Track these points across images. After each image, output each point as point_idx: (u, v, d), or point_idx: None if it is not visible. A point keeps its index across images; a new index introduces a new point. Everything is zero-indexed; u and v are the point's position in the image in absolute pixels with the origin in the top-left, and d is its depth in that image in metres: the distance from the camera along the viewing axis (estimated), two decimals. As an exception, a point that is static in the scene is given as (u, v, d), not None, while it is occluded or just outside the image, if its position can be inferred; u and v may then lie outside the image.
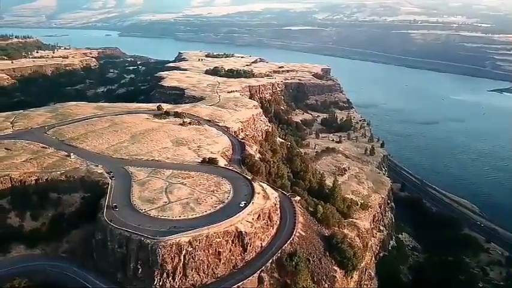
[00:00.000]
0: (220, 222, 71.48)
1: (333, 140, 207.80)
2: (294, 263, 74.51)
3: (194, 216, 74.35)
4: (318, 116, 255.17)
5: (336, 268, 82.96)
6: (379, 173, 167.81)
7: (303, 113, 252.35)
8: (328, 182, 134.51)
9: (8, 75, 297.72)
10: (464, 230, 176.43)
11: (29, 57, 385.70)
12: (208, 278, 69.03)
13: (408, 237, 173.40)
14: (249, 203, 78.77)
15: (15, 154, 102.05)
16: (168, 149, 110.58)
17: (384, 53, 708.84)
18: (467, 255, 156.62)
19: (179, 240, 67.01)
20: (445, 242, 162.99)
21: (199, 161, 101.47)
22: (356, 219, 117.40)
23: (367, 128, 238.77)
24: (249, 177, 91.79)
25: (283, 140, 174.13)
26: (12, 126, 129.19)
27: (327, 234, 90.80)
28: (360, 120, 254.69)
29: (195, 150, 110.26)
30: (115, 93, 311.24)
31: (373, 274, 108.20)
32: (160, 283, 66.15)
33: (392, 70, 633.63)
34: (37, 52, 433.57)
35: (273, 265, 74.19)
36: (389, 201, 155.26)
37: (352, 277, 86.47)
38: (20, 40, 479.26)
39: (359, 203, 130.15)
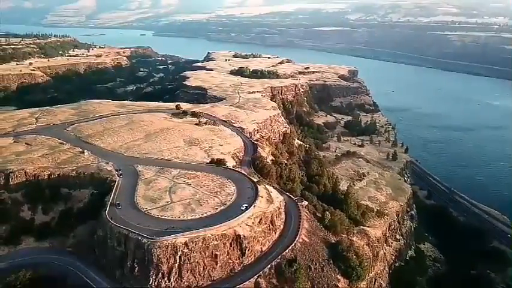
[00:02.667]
0: (218, 225, 70.89)
1: (354, 143, 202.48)
2: (293, 269, 72.72)
3: (194, 217, 74.23)
4: (342, 118, 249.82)
5: (339, 277, 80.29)
6: (400, 179, 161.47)
7: (326, 115, 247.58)
8: (344, 187, 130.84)
9: (43, 72, 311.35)
10: (493, 243, 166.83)
11: (65, 56, 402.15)
12: (204, 280, 68.51)
13: (431, 248, 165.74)
14: (250, 206, 77.63)
15: (33, 149, 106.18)
16: (179, 148, 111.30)
17: (418, 55, 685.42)
18: (493, 269, 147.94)
19: (175, 241, 66.97)
20: (471, 254, 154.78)
21: (208, 161, 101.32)
22: (369, 226, 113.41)
23: (391, 132, 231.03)
24: (255, 180, 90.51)
25: (301, 142, 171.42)
26: (36, 122, 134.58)
27: (333, 242, 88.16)
28: (385, 124, 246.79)
29: (206, 151, 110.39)
30: (143, 92, 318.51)
31: (384, 285, 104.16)
32: (156, 283, 66.23)
33: (426, 73, 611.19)
34: (73, 51, 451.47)
35: (272, 271, 72.72)
36: (408, 209, 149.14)
37: (357, 287, 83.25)
38: (58, 39, 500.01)
39: (375, 210, 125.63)
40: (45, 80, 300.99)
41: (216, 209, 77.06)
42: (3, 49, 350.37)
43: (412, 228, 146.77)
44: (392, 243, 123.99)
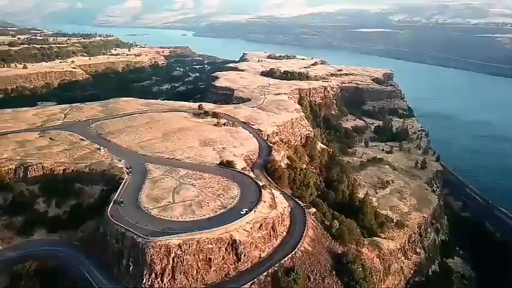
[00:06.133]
0: (214, 228, 69.96)
1: (383, 149, 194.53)
2: (290, 279, 70.30)
3: (192, 219, 73.76)
4: (373, 123, 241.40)
5: (341, 290, 76.82)
6: (427, 189, 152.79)
7: (355, 119, 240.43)
8: (363, 194, 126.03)
9: (84, 70, 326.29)
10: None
11: (107, 55, 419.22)
12: (197, 283, 67.79)
13: (461, 264, 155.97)
14: (250, 211, 76.12)
15: (55, 144, 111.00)
16: (193, 148, 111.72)
17: (464, 58, 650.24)
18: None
19: (169, 242, 66.78)
20: (504, 272, 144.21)
21: (218, 162, 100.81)
22: (386, 238, 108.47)
23: (424, 139, 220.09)
24: (261, 184, 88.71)
25: (325, 147, 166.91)
26: (64, 118, 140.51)
27: (339, 252, 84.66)
28: (419, 131, 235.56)
29: (218, 152, 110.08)
30: (175, 91, 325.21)
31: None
32: (149, 282, 66.29)
33: (472, 77, 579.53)
34: (115, 50, 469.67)
35: (268, 278, 70.64)
36: (434, 221, 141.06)
37: (360, 301, 79.18)
38: (102, 38, 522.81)
39: (394, 221, 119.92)
40: (84, 78, 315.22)
41: (216, 211, 76.19)
42: (50, 48, 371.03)
43: (437, 242, 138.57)
44: (411, 256, 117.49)
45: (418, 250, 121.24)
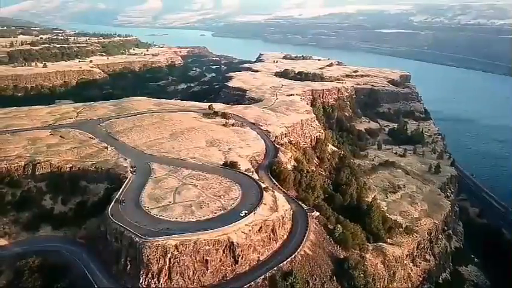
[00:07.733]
0: (212, 230, 69.51)
1: (396, 152, 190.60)
2: (288, 283, 69.31)
3: (191, 220, 73.51)
4: (388, 125, 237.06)
5: (341, 296, 75.34)
6: (440, 194, 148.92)
7: (369, 121, 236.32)
8: (371, 198, 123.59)
9: (101, 70, 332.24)
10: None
11: (125, 54, 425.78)
12: (193, 284, 67.48)
13: (475, 271, 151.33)
14: (250, 213, 75.40)
15: (65, 142, 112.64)
16: (199, 148, 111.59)
17: (488, 60, 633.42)
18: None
19: (165, 243, 66.66)
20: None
21: (222, 163, 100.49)
22: (393, 244, 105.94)
23: (439, 143, 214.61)
24: (263, 186, 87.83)
25: (336, 149, 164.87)
26: (76, 116, 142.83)
27: (341, 257, 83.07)
28: (435, 134, 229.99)
29: (224, 152, 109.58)
30: (191, 91, 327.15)
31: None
32: (146, 282, 66.38)
33: (496, 79, 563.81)
34: (133, 50, 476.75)
35: (265, 282, 69.80)
36: (445, 227, 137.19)
37: (361, 308, 77.54)
38: (121, 38, 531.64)
39: (403, 226, 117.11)
40: (102, 77, 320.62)
41: (215, 213, 75.71)
42: (70, 47, 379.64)
43: (449, 249, 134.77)
44: (420, 263, 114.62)
45: (427, 257, 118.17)
